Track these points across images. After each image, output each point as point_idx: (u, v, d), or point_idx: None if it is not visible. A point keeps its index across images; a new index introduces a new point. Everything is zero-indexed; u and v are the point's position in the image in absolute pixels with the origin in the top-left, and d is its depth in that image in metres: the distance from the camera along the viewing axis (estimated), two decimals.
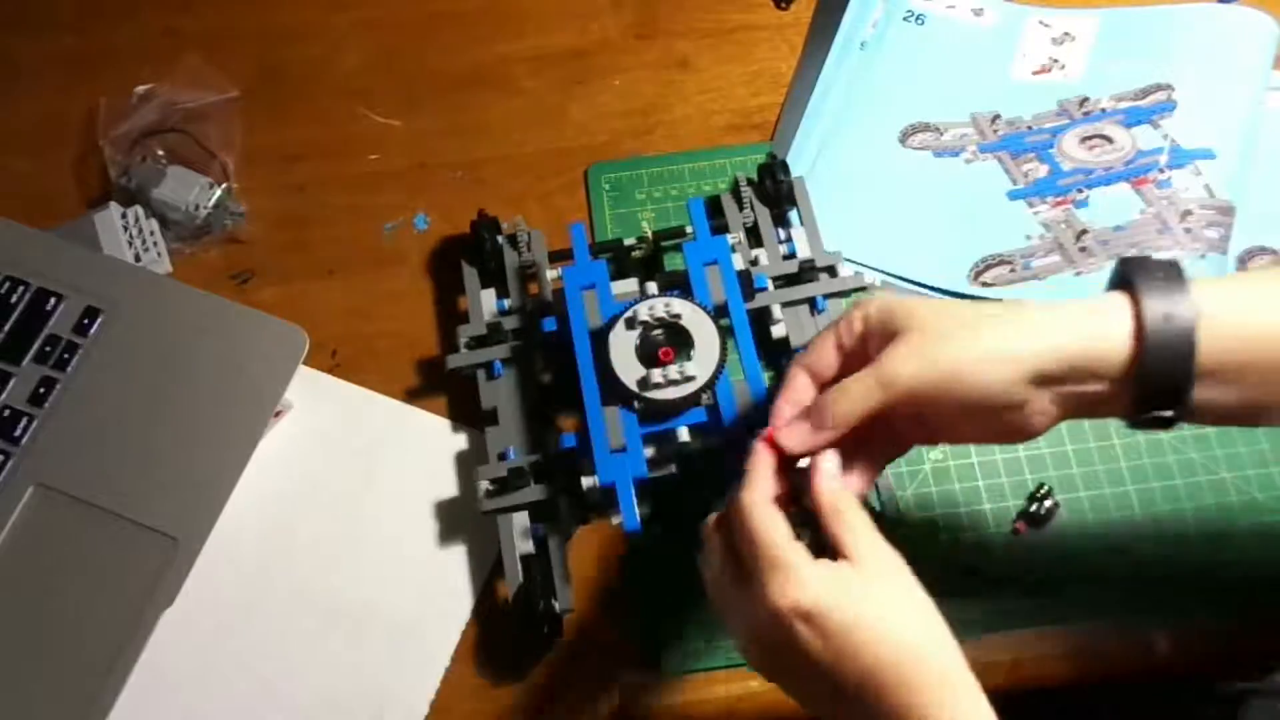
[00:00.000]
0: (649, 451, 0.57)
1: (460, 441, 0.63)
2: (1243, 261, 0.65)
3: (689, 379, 0.56)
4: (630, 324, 0.57)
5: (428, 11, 0.78)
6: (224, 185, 0.70)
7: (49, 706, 0.55)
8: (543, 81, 0.75)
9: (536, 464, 0.58)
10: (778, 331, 0.61)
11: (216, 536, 0.58)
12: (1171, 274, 0.42)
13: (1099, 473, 0.60)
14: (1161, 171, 0.66)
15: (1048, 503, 0.59)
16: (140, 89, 0.73)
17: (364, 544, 0.61)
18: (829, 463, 0.45)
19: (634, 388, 0.56)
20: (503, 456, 0.59)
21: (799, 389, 0.47)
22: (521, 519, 0.58)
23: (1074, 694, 0.58)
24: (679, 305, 0.57)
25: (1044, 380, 0.42)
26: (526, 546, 0.57)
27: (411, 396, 0.65)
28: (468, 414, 0.64)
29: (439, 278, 0.69)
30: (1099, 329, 0.42)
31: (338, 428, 0.64)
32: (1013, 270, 0.65)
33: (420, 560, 0.60)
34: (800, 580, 0.41)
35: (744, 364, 0.57)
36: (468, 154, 0.73)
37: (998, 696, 0.40)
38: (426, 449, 0.63)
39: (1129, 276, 0.42)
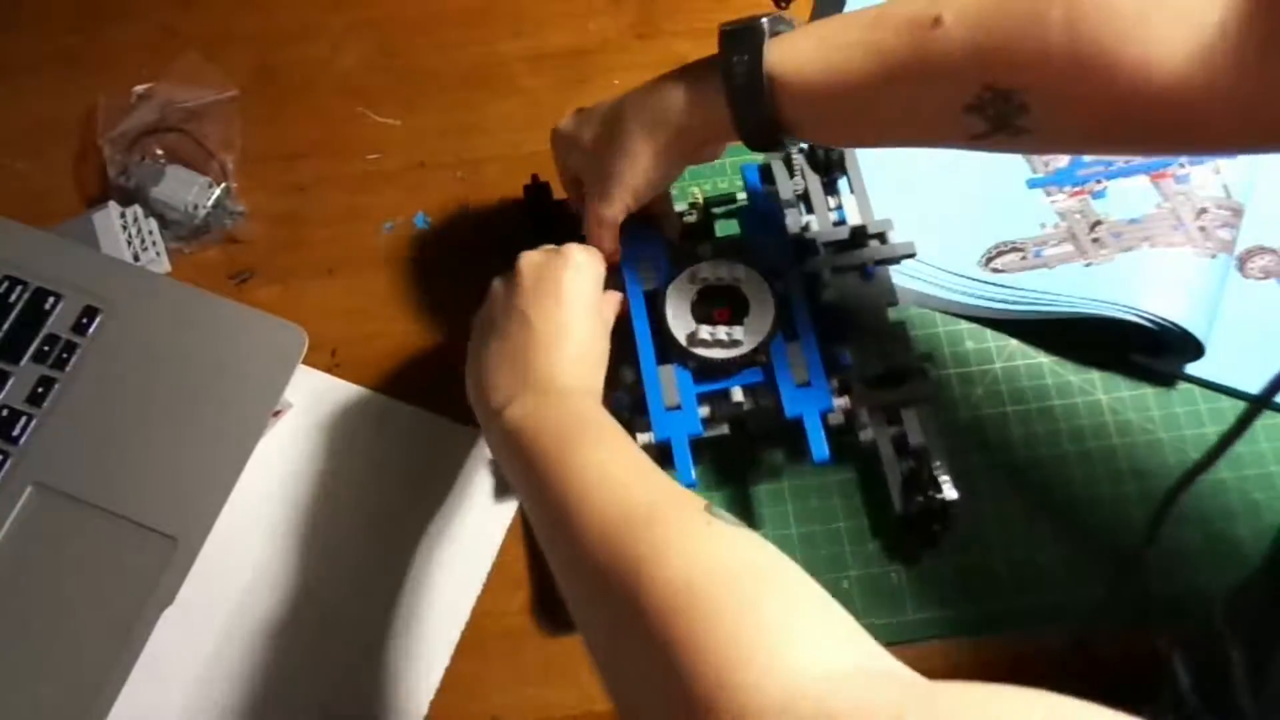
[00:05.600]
0: (704, 411, 0.57)
1: (460, 439, 0.63)
2: (1242, 261, 0.65)
3: (736, 343, 0.57)
4: (692, 278, 0.59)
5: (427, 11, 0.78)
6: (223, 185, 0.70)
7: (49, 706, 0.55)
8: (542, 81, 0.75)
9: None
10: (827, 296, 0.61)
11: (216, 536, 0.58)
12: (751, 42, 0.49)
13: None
14: (1182, 166, 0.65)
15: None
16: (139, 88, 0.73)
17: (364, 542, 0.61)
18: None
19: (683, 341, 0.57)
20: None
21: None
22: None
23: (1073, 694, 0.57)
24: (742, 270, 0.59)
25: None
26: None
27: (411, 395, 0.65)
28: (467, 412, 0.64)
29: (437, 275, 0.69)
30: (710, 115, 0.51)
31: (337, 427, 0.64)
32: (1024, 258, 0.65)
33: (421, 557, 0.60)
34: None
35: (798, 328, 0.58)
36: (468, 154, 0.73)
37: None
38: (426, 448, 0.63)
39: (721, 49, 0.49)
